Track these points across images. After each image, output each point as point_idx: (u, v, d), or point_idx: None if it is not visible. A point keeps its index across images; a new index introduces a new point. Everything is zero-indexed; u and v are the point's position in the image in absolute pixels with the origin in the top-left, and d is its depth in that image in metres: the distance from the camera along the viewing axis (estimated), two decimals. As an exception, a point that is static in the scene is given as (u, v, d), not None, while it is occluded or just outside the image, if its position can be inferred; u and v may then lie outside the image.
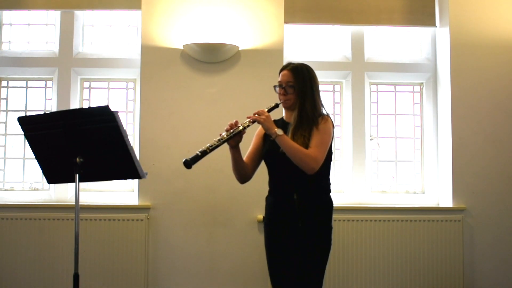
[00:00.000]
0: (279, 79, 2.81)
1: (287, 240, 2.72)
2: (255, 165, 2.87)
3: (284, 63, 4.21)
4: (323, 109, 2.81)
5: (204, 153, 2.60)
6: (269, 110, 2.76)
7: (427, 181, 4.53)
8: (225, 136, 2.66)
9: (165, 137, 4.19)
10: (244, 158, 2.84)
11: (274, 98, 2.87)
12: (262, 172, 2.88)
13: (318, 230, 2.72)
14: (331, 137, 2.74)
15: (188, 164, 2.58)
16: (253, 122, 2.70)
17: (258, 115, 2.68)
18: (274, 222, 2.78)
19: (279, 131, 2.65)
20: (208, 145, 2.61)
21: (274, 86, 2.83)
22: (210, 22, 4.20)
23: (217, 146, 2.63)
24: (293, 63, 2.83)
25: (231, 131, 2.67)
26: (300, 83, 2.75)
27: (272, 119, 2.74)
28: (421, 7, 4.49)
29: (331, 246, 2.75)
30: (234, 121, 2.71)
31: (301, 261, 2.68)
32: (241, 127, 2.68)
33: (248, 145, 2.87)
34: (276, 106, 2.81)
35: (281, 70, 2.83)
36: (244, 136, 2.73)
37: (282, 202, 2.75)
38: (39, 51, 4.45)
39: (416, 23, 4.52)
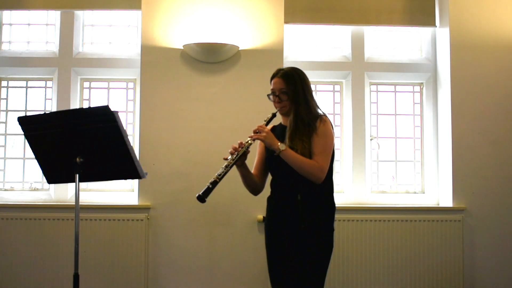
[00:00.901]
0: (272, 87, 2.80)
1: (288, 241, 2.71)
2: (264, 175, 2.90)
3: (284, 63, 4.25)
4: (318, 109, 2.80)
5: (214, 183, 2.64)
6: (268, 122, 2.77)
7: (427, 181, 4.53)
8: (231, 160, 2.68)
9: (165, 137, 4.18)
10: (252, 170, 2.85)
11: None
12: (262, 172, 2.89)
13: (320, 231, 2.72)
14: (332, 139, 2.73)
15: (202, 198, 2.63)
16: (255, 140, 2.71)
17: (258, 132, 2.68)
18: (276, 223, 2.78)
19: (282, 146, 2.65)
20: (216, 174, 2.65)
21: (268, 95, 2.83)
22: (210, 22, 4.20)
23: (225, 173, 2.66)
24: (283, 69, 2.82)
25: (236, 153, 2.68)
26: (293, 88, 2.74)
27: (271, 126, 2.77)
28: (421, 7, 4.49)
29: (333, 248, 2.75)
30: (238, 142, 2.71)
31: (302, 262, 2.68)
32: (244, 148, 2.69)
33: (252, 156, 2.86)
34: (274, 116, 2.81)
35: (272, 77, 2.81)
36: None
37: (286, 203, 2.75)
38: (39, 51, 4.45)
39: (416, 23, 4.52)
